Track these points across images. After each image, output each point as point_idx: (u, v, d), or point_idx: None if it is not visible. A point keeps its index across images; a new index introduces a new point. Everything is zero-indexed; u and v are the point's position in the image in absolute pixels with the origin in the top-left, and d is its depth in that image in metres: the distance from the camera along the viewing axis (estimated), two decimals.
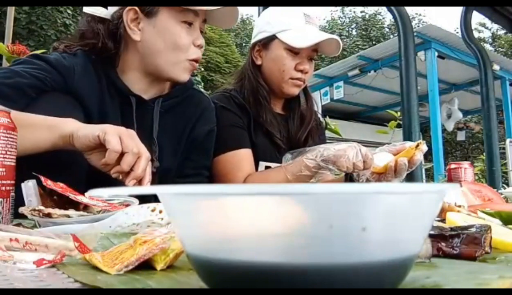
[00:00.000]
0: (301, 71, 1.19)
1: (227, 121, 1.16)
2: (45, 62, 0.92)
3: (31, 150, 0.75)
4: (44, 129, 0.77)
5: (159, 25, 0.94)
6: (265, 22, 1.24)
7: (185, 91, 1.07)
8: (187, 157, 1.08)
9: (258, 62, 1.24)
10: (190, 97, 1.09)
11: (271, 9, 1.27)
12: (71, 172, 0.85)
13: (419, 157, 1.02)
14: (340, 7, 21.43)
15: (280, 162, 1.20)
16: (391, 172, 1.01)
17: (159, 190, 0.28)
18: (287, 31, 1.17)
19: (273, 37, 1.19)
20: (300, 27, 1.18)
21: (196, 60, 0.99)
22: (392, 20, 7.15)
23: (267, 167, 1.20)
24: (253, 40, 1.27)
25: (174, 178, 1.05)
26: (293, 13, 1.20)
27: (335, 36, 1.18)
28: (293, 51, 1.18)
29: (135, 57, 0.98)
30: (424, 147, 1.03)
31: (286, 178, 1.05)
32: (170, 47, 0.95)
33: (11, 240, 0.42)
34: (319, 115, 1.40)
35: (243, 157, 1.15)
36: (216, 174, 1.15)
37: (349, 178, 1.11)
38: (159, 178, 0.96)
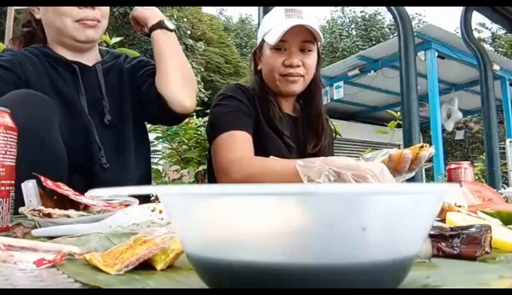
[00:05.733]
0: (290, 66, 1.18)
1: (230, 107, 1.16)
2: None
3: None
4: None
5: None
6: (259, 29, 1.27)
7: (115, 57, 1.24)
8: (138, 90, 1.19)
9: (259, 67, 1.27)
10: (121, 62, 1.23)
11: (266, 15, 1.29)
12: (54, 171, 0.86)
13: (425, 153, 0.99)
14: (340, 7, 21.43)
15: None
16: (404, 163, 0.96)
17: (159, 190, 0.28)
18: (270, 31, 1.18)
19: (262, 41, 1.22)
20: (279, 24, 1.16)
21: (83, 19, 1.09)
22: (392, 20, 7.16)
23: None
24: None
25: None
26: (275, 12, 1.21)
27: (302, 23, 1.14)
28: (278, 49, 1.18)
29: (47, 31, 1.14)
30: (432, 149, 1.02)
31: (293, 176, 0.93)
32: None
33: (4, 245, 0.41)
34: (331, 124, 1.38)
35: (239, 137, 1.12)
36: (212, 155, 1.15)
37: None
38: (108, 127, 1.11)
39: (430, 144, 1.04)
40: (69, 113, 1.04)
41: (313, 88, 1.28)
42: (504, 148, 3.99)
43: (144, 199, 0.84)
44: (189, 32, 12.07)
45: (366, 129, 8.38)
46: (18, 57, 1.06)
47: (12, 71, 1.02)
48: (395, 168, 0.99)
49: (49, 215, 0.60)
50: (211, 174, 1.22)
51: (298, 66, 1.19)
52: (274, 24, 1.18)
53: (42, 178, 0.66)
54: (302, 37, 1.17)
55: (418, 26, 17.25)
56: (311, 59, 1.21)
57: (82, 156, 1.05)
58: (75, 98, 1.08)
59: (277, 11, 1.20)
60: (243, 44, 20.15)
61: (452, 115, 7.79)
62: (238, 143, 1.11)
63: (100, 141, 1.07)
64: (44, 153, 0.88)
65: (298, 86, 1.22)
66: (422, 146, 1.02)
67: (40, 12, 1.13)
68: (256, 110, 1.20)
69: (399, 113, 2.69)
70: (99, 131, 1.08)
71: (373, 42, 16.91)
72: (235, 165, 1.06)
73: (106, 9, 1.14)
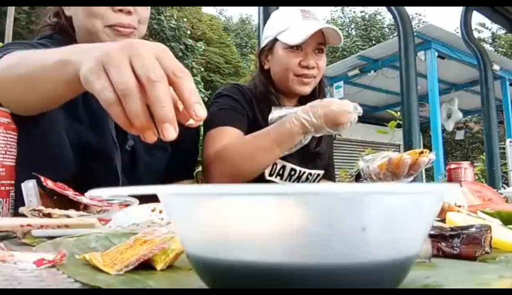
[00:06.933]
0: (306, 67, 1.19)
1: (222, 105, 1.17)
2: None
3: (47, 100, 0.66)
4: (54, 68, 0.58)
5: None
6: (268, 28, 1.26)
7: None
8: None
9: (266, 67, 1.26)
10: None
11: (273, 14, 1.29)
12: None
13: (424, 159, 1.00)
14: (340, 7, 21.43)
15: (293, 162, 1.19)
16: (403, 168, 0.97)
17: (159, 190, 0.28)
18: (286, 31, 1.18)
19: (275, 40, 1.21)
20: (297, 24, 1.18)
21: (115, 25, 0.91)
22: (392, 20, 7.15)
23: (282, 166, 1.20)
24: (260, 47, 1.30)
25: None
26: (290, 12, 1.22)
27: (330, 26, 1.16)
28: (295, 49, 1.18)
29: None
30: (432, 156, 1.01)
31: (269, 141, 1.00)
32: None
33: (21, 226, 0.41)
34: None
35: (227, 133, 1.11)
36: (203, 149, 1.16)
37: (356, 176, 1.11)
38: (131, 156, 0.98)
39: (430, 147, 1.04)
40: (92, 127, 0.92)
41: (318, 88, 1.28)
42: (504, 148, 3.98)
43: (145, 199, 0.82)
44: (189, 32, 12.07)
45: (366, 129, 8.38)
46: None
47: None
48: (394, 172, 1.00)
49: (49, 215, 0.60)
50: None
51: (313, 67, 1.19)
52: (291, 24, 1.19)
53: (42, 178, 0.66)
54: (318, 39, 1.18)
55: (418, 26, 17.27)
56: (323, 60, 1.23)
57: (97, 174, 0.92)
58: (102, 113, 0.93)
59: (292, 11, 1.21)
60: (243, 44, 20.16)
61: (452, 115, 7.79)
62: (224, 138, 1.10)
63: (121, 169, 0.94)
64: None
65: (310, 88, 1.22)
66: (422, 152, 1.02)
67: (71, 9, 0.97)
68: (253, 110, 1.20)
69: (399, 113, 2.69)
70: (124, 156, 0.96)
71: (373, 42, 16.93)
72: (216, 158, 1.06)
73: (145, 13, 0.96)
